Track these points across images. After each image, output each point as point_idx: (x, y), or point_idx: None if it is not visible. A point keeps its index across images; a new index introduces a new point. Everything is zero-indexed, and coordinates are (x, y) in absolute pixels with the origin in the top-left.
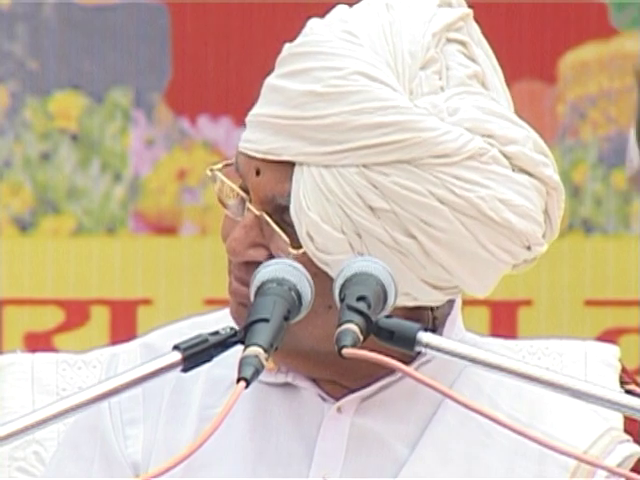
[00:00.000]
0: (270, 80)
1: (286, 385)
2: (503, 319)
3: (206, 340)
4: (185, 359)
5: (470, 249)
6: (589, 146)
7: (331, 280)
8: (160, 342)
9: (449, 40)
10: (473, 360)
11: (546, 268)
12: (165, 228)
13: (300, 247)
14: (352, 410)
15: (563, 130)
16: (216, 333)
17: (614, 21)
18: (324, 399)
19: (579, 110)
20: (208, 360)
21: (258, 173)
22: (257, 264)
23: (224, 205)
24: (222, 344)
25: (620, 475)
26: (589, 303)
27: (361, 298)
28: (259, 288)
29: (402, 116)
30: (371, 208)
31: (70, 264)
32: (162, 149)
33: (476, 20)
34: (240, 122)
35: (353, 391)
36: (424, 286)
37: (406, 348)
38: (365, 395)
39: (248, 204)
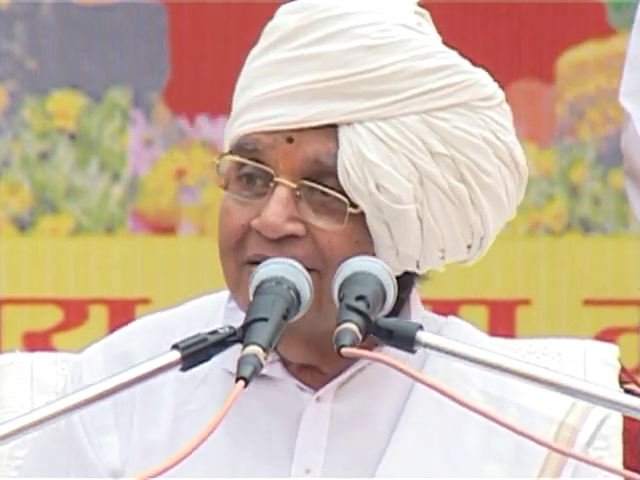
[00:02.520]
0: (281, 55)
1: (262, 377)
2: (501, 318)
3: (205, 339)
4: (184, 358)
5: (501, 197)
6: (587, 146)
7: (368, 246)
8: (121, 342)
9: (416, 13)
10: (473, 360)
11: (545, 267)
12: (164, 228)
13: (357, 206)
14: (330, 397)
15: (561, 130)
16: (215, 332)
17: (612, 21)
18: (302, 389)
19: (577, 110)
20: (207, 359)
21: (291, 141)
22: (294, 239)
23: (232, 191)
24: (221, 343)
25: (595, 465)
26: (588, 302)
27: (360, 297)
28: (258, 287)
29: (453, 59)
30: (432, 154)
31: (69, 264)
32: (161, 149)
33: (474, 20)
34: None
35: (331, 379)
36: (461, 242)
37: (405, 347)
38: (342, 381)
39: (278, 178)
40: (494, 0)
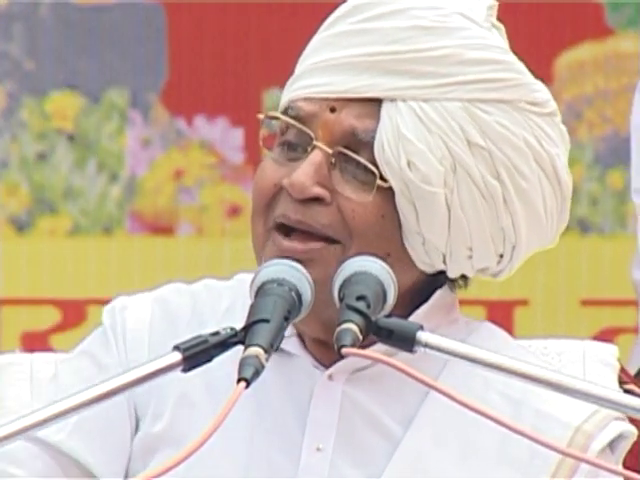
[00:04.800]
0: (341, 28)
1: (279, 351)
2: (499, 319)
3: (206, 340)
4: (185, 359)
5: (537, 208)
6: (585, 146)
7: (395, 227)
8: (174, 298)
9: (492, 24)
10: (473, 360)
11: (542, 268)
12: (161, 228)
13: (387, 181)
14: (343, 379)
15: None
16: (216, 333)
17: (610, 21)
18: (316, 367)
19: (575, 110)
20: (208, 360)
21: (333, 110)
22: (319, 205)
23: (269, 149)
24: (222, 344)
25: (603, 468)
26: (585, 303)
27: (360, 297)
28: (259, 288)
29: (506, 56)
30: (470, 144)
31: (67, 264)
32: (158, 149)
33: None
34: (236, 122)
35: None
36: (489, 242)
37: (405, 347)
38: (357, 367)
39: (316, 142)
40: None
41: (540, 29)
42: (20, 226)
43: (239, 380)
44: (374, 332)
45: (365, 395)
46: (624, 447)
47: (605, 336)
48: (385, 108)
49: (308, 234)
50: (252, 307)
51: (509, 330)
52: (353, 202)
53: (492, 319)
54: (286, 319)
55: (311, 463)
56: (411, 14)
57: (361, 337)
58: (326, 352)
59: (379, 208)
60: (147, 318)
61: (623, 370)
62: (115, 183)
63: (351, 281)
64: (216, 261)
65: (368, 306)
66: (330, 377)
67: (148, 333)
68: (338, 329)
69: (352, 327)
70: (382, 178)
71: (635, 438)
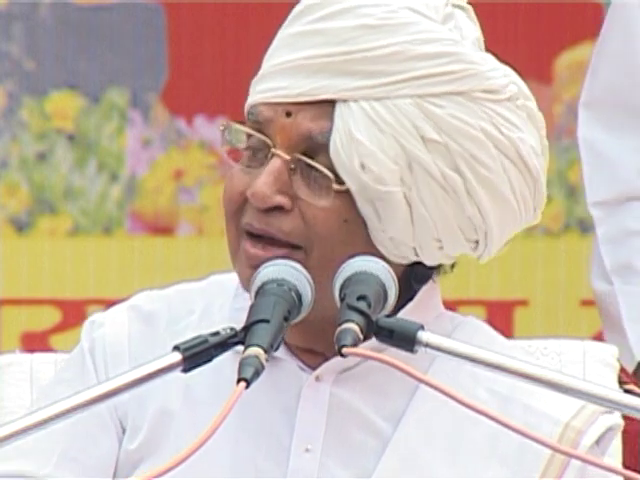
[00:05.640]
0: (295, 29)
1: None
2: (499, 319)
3: (206, 340)
4: (185, 359)
5: (504, 194)
6: None
7: (360, 228)
8: (148, 305)
9: (454, 5)
10: (473, 359)
11: (542, 268)
12: (162, 228)
13: (344, 183)
14: (330, 380)
15: (559, 130)
16: (216, 333)
17: None
18: (303, 369)
19: (575, 110)
20: (208, 360)
21: (289, 115)
22: (281, 213)
23: (235, 160)
24: (222, 344)
25: (595, 465)
26: (585, 303)
27: (361, 297)
28: (259, 289)
29: (456, 47)
30: (424, 140)
31: (67, 264)
32: (159, 149)
33: None
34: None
35: (328, 359)
36: (458, 232)
37: (406, 347)
38: (345, 366)
39: (274, 150)
40: (491, 0)
41: (540, 29)
42: (20, 226)
43: (239, 380)
44: (375, 332)
45: (353, 394)
46: (609, 438)
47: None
48: (338, 109)
49: (273, 241)
50: (252, 307)
51: (509, 330)
52: (314, 208)
53: (492, 319)
54: (286, 319)
55: (300, 464)
56: (359, 12)
57: (362, 337)
58: (312, 356)
59: (340, 212)
60: (125, 330)
61: (623, 370)
62: (115, 183)
63: (352, 281)
64: (216, 261)
65: (369, 306)
66: (317, 378)
67: (127, 343)
68: (339, 329)
69: (353, 327)
70: (338, 181)
71: (622, 428)
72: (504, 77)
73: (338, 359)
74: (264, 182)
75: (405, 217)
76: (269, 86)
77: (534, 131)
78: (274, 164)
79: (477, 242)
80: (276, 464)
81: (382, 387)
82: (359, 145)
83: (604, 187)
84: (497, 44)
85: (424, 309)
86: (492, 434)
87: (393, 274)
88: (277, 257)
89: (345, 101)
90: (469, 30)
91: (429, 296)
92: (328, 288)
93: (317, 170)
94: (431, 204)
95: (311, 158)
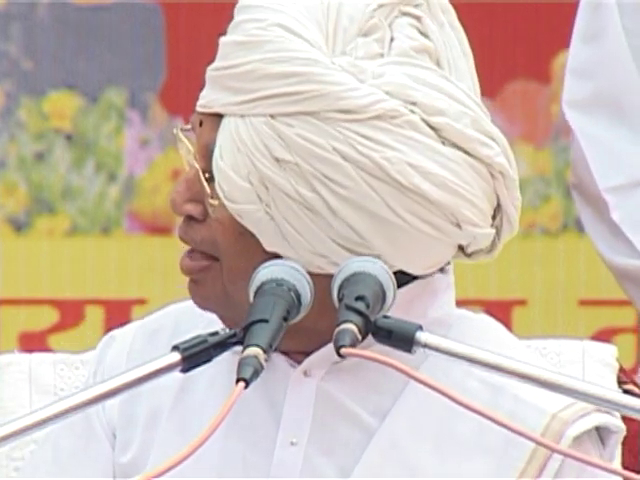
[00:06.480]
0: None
1: None
2: (497, 319)
3: (205, 340)
4: (184, 359)
5: (380, 212)
6: None
7: (257, 242)
8: (158, 320)
9: (403, 13)
10: (472, 360)
11: (540, 268)
12: (160, 228)
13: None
14: (319, 374)
15: (557, 130)
16: (215, 333)
17: None
18: (291, 365)
19: None
20: (208, 360)
21: (201, 124)
22: (194, 222)
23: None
24: (221, 344)
25: (573, 457)
26: (583, 303)
27: (360, 298)
28: (258, 288)
29: (308, 68)
30: (277, 159)
31: (65, 264)
32: (157, 149)
33: (470, 20)
34: None
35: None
36: (338, 249)
37: (404, 348)
38: (335, 359)
39: (187, 157)
40: (490, 0)
41: (538, 29)
42: (18, 226)
43: (238, 380)
44: (373, 332)
45: (341, 389)
46: (615, 440)
47: (603, 336)
48: (222, 123)
49: (194, 250)
50: (251, 307)
51: (507, 330)
52: (215, 220)
53: None
54: (285, 319)
55: (284, 457)
56: (240, 27)
57: (360, 337)
58: (297, 355)
59: (233, 224)
60: (126, 347)
61: (622, 370)
62: (113, 183)
63: (350, 281)
64: None
65: (367, 306)
66: (306, 373)
67: (125, 362)
68: (337, 329)
69: (351, 327)
70: (213, 196)
71: (624, 432)
72: (371, 96)
73: (322, 352)
74: (176, 190)
75: (275, 233)
76: (201, 95)
77: (439, 149)
78: (189, 172)
79: (378, 256)
80: (263, 457)
81: (371, 382)
82: (217, 163)
83: (614, 173)
84: (496, 44)
85: (415, 310)
86: (480, 427)
87: (391, 274)
88: (197, 268)
89: (226, 115)
90: (404, 41)
91: (407, 300)
92: (245, 297)
93: None
94: (295, 222)
95: (205, 172)
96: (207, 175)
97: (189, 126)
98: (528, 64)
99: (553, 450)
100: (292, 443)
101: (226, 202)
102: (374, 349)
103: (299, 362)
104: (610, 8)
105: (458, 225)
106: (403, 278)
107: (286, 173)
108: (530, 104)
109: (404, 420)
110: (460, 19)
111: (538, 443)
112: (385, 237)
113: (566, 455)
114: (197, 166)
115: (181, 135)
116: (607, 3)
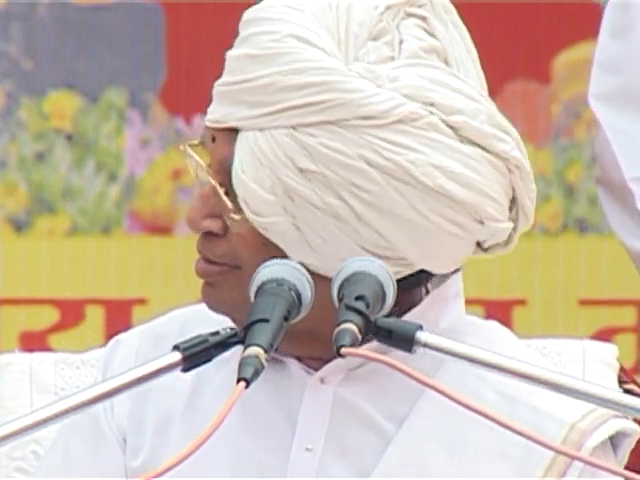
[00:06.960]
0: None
1: (270, 359)
2: (498, 318)
3: (206, 340)
4: (185, 359)
5: (405, 215)
6: (583, 146)
7: (280, 250)
8: (162, 325)
9: (408, 14)
10: (472, 360)
11: (541, 267)
12: (160, 228)
13: (242, 212)
14: (336, 381)
15: (557, 130)
16: (216, 333)
17: None
18: (308, 372)
19: (573, 110)
20: (208, 360)
21: (214, 140)
22: (214, 236)
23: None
24: (222, 344)
25: (594, 465)
26: (583, 303)
27: (360, 297)
28: (259, 288)
29: (327, 77)
30: (301, 170)
31: (65, 264)
32: (157, 149)
33: (470, 20)
34: None
35: (329, 361)
36: (365, 254)
37: (404, 347)
38: (349, 366)
39: (203, 174)
40: (489, 0)
41: (538, 29)
42: (18, 226)
43: (239, 380)
44: (373, 332)
45: (357, 394)
46: (628, 444)
47: (603, 336)
48: (239, 137)
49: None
50: (252, 307)
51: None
52: (235, 234)
53: (490, 318)
54: (286, 319)
55: (299, 463)
56: (250, 41)
57: (360, 337)
58: (312, 361)
59: (256, 236)
60: (133, 350)
61: (623, 370)
62: (114, 183)
63: (350, 281)
64: None
65: (367, 306)
66: (322, 380)
67: (134, 363)
68: (337, 329)
69: (351, 327)
70: (235, 210)
71: (639, 435)
72: (389, 101)
73: (339, 360)
74: (193, 207)
75: (301, 244)
76: (209, 109)
77: (460, 148)
78: (205, 188)
79: (403, 258)
80: (278, 461)
81: (388, 388)
82: (239, 177)
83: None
84: (496, 44)
85: (421, 312)
86: (498, 436)
87: (391, 274)
88: (214, 272)
89: (243, 129)
90: (413, 42)
91: (420, 311)
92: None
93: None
94: (322, 230)
95: (222, 186)
96: (224, 190)
97: (196, 141)
98: (528, 64)
99: (573, 457)
100: (307, 449)
101: (251, 216)
102: (392, 355)
103: (314, 368)
104: (639, 7)
105: (481, 222)
106: (419, 278)
107: (311, 183)
108: (530, 104)
109: (422, 426)
110: (460, 19)
111: (557, 451)
112: (411, 239)
113: (587, 463)
114: (213, 182)
115: (190, 151)
116: (636, 2)
